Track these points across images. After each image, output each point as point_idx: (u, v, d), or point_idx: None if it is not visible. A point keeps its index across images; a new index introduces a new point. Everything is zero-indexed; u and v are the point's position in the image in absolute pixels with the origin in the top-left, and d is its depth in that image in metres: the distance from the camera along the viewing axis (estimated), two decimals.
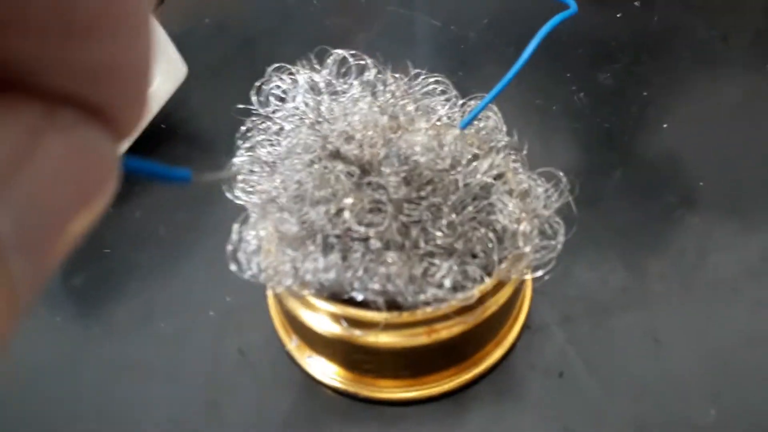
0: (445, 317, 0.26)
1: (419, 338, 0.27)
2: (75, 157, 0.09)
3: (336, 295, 0.26)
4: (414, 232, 0.26)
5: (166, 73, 0.40)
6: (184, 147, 0.42)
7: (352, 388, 0.30)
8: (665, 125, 0.41)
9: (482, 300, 0.26)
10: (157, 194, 0.39)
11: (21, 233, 0.09)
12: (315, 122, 0.30)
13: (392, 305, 0.26)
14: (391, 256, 0.25)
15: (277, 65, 0.30)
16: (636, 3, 0.49)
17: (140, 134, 0.40)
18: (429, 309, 0.25)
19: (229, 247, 0.26)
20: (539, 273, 0.26)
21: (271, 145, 0.30)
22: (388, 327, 0.26)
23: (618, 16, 0.49)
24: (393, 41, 0.49)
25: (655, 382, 0.30)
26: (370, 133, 0.28)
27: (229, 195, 0.29)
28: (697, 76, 0.44)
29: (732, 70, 0.45)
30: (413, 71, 0.31)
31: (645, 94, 0.43)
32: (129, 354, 0.33)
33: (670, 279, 0.34)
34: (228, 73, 0.47)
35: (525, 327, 0.32)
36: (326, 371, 0.30)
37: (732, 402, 0.29)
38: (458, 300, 0.25)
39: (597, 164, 0.40)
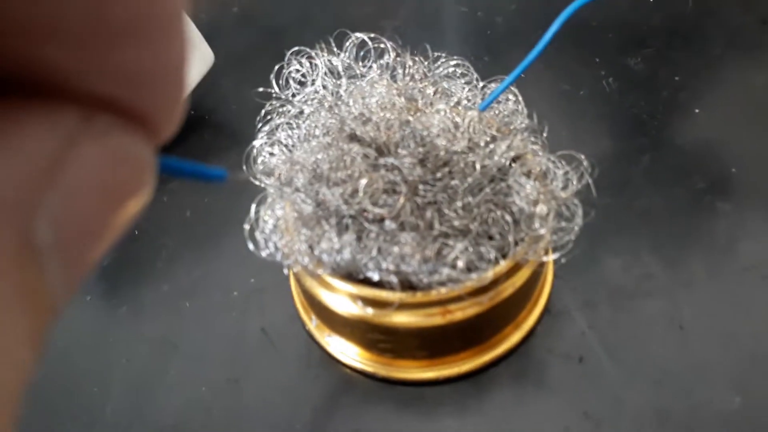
0: (459, 298, 0.26)
1: (434, 318, 0.27)
2: (111, 163, 0.09)
3: (351, 274, 0.26)
4: (429, 213, 0.26)
5: (197, 59, 0.41)
6: (211, 133, 0.43)
7: (369, 368, 0.30)
8: (697, 110, 0.40)
9: (497, 282, 0.26)
10: (184, 180, 0.40)
11: (58, 240, 0.09)
12: (333, 105, 0.30)
13: (407, 285, 0.26)
14: (404, 236, 0.25)
15: (296, 49, 0.30)
16: None
17: None
18: (443, 290, 0.25)
19: (246, 226, 0.27)
20: (556, 255, 0.26)
21: (291, 128, 0.31)
22: (403, 307, 0.26)
23: None
24: (419, 28, 0.48)
25: (679, 369, 0.29)
26: (387, 115, 0.28)
27: (250, 178, 0.29)
28: (732, 61, 0.43)
29: None
30: (433, 54, 0.31)
31: (677, 78, 0.42)
32: (155, 332, 0.33)
33: (697, 266, 0.33)
34: (254, 61, 0.48)
35: (545, 311, 0.31)
36: (345, 350, 0.30)
37: (758, 390, 0.28)
38: (472, 281, 0.25)
39: (625, 150, 0.39)
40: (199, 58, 0.41)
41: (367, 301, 0.26)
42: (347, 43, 0.31)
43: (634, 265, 0.33)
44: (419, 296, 0.26)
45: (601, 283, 0.32)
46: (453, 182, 0.26)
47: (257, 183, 0.28)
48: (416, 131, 0.27)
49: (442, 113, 0.28)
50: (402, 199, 0.25)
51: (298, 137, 0.30)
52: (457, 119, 0.28)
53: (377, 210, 0.25)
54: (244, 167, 0.29)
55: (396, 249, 0.25)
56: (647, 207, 0.36)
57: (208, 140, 0.43)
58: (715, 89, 0.41)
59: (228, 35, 0.50)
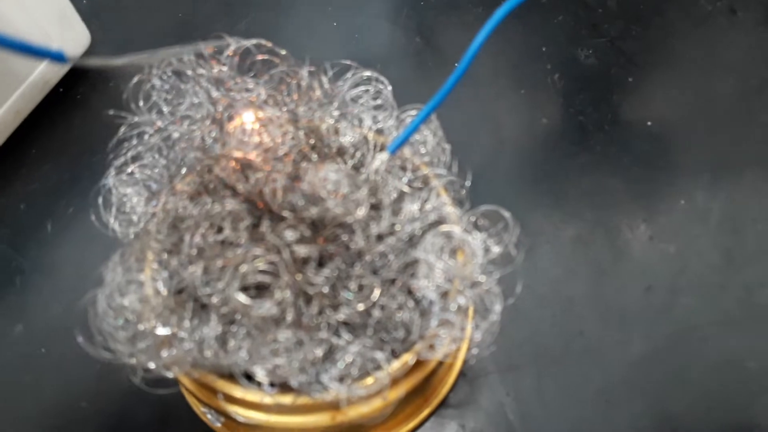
0: (350, 400, 0.21)
1: (321, 419, 0.22)
2: None
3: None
4: (315, 305, 0.20)
5: (69, 39, 0.35)
6: (80, 115, 0.36)
7: None
8: (649, 123, 0.35)
9: (396, 381, 0.22)
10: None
11: None
12: (206, 137, 0.24)
13: (287, 386, 0.21)
14: (282, 335, 0.20)
15: (166, 60, 0.24)
16: None
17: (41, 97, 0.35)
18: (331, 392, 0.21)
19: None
20: (471, 353, 0.22)
21: (154, 158, 0.24)
22: (282, 410, 0.22)
23: None
24: None
25: None
26: (274, 163, 0.22)
27: (97, 223, 0.23)
28: (695, 61, 0.38)
29: (739, 52, 0.38)
30: (332, 64, 0.25)
31: (630, 80, 0.36)
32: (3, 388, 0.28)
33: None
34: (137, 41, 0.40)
35: (460, 375, 0.27)
36: None
37: None
38: (365, 386, 0.21)
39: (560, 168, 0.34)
40: (75, 38, 0.36)
41: (233, 401, 0.22)
42: (226, 53, 0.24)
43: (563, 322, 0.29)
44: (301, 400, 0.21)
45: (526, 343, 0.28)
46: (348, 259, 0.21)
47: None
48: (305, 192, 0.21)
49: (339, 167, 0.22)
50: (279, 292, 0.20)
51: (161, 175, 0.24)
52: (356, 177, 0.22)
53: (247, 302, 0.20)
54: (93, 218, 0.23)
55: (272, 357, 0.20)
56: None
57: (75, 122, 0.36)
58: (671, 95, 0.36)
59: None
